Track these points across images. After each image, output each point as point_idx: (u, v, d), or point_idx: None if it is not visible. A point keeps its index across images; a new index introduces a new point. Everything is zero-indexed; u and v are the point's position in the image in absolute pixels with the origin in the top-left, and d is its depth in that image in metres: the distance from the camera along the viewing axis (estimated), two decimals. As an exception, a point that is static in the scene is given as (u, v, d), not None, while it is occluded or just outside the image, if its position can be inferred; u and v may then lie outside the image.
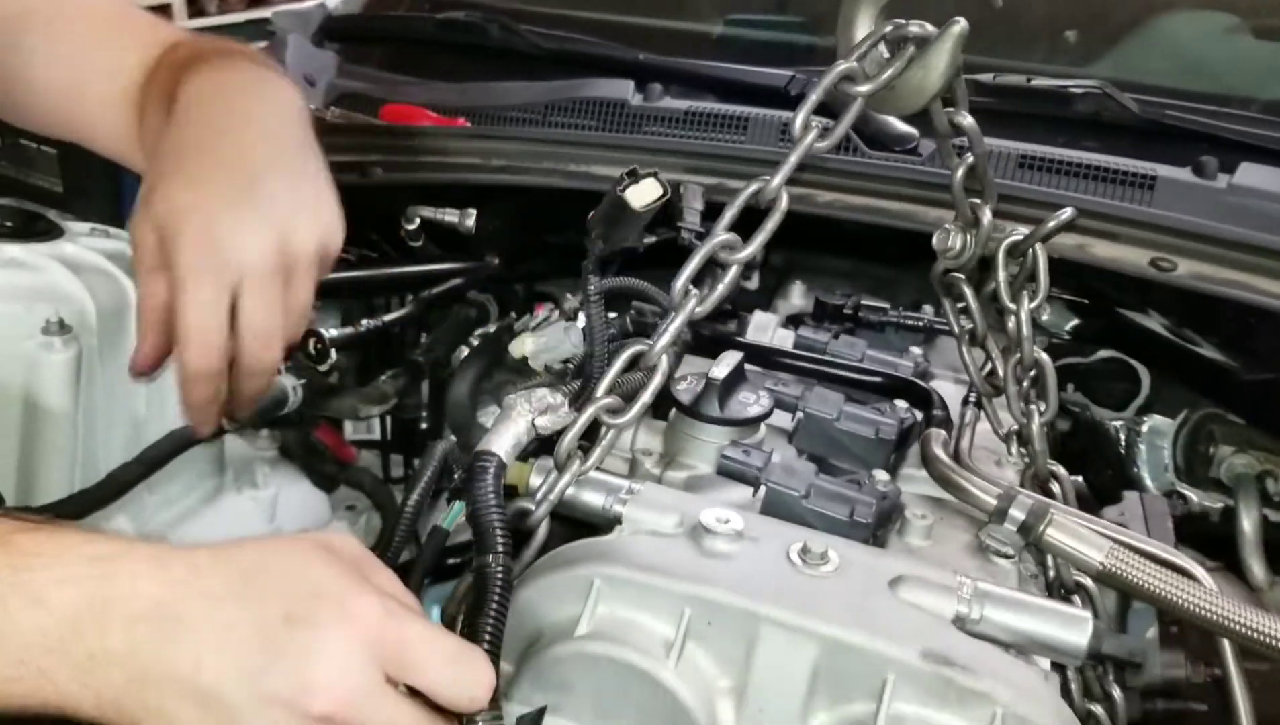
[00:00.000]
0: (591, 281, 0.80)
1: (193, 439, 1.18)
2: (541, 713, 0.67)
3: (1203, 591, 0.74)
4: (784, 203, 0.78)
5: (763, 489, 0.82)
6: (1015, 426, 0.99)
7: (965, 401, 1.02)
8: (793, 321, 1.18)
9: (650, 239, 1.31)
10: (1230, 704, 0.78)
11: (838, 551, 0.73)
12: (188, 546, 0.60)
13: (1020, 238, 0.93)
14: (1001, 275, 0.93)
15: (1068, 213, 0.93)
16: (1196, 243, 1.18)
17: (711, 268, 0.79)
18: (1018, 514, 0.80)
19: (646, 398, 0.77)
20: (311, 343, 1.00)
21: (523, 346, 0.85)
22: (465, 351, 1.47)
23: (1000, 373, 0.99)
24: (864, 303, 1.18)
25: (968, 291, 0.98)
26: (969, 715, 0.64)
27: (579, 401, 0.81)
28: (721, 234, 0.78)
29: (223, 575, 0.59)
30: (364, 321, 1.06)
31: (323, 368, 1.01)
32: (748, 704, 0.68)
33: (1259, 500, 1.32)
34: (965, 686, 0.64)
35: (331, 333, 1.00)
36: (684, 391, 0.89)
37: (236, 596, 0.58)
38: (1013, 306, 0.94)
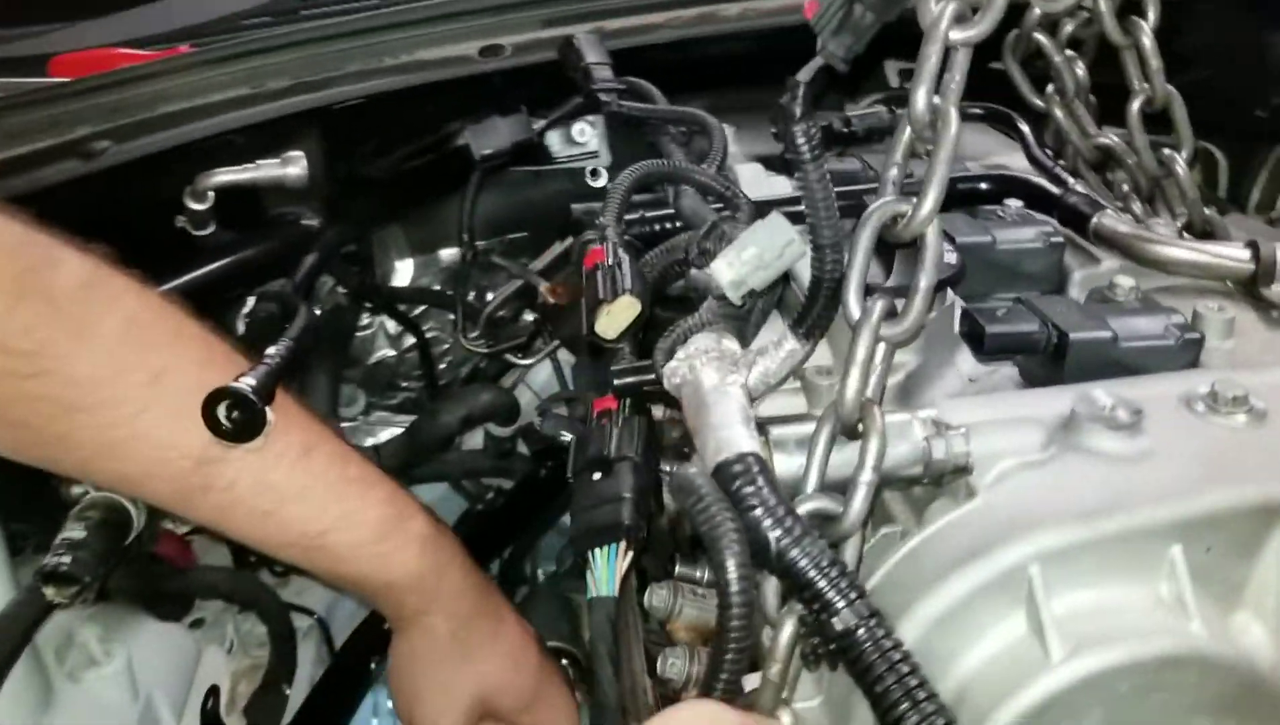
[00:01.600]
0: (800, 130, 0.48)
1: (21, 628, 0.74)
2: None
3: None
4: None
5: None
6: (1129, 184, 0.82)
7: (1058, 180, 0.83)
8: (770, 164, 0.92)
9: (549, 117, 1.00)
10: None
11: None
12: None
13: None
14: (1105, 4, 0.74)
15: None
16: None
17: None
18: (1289, 265, 0.64)
19: (924, 290, 0.50)
20: (223, 409, 0.60)
21: (716, 277, 0.51)
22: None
23: (1077, 138, 0.81)
24: (851, 115, 0.95)
25: (1049, 45, 0.78)
26: None
27: (806, 323, 0.52)
28: (948, 5, 0.50)
29: None
30: (270, 350, 0.67)
31: (258, 443, 0.62)
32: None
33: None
34: None
35: (249, 381, 0.61)
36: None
37: None
38: (1126, 40, 0.75)
